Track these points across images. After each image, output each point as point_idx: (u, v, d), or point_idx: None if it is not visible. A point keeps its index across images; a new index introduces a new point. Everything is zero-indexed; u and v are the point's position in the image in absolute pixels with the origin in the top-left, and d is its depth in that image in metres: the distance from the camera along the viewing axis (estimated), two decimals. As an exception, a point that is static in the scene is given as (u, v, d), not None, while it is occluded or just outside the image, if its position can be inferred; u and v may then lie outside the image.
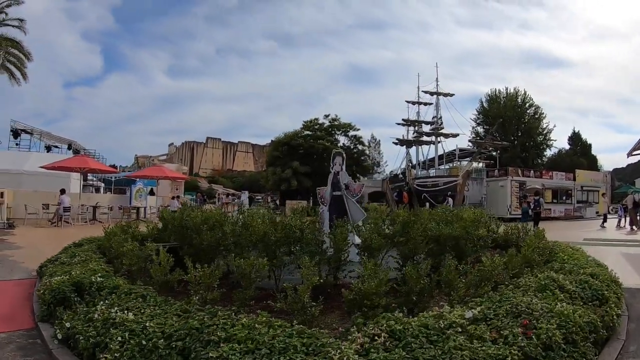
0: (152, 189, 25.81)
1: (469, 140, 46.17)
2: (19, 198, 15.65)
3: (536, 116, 51.53)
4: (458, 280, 4.58)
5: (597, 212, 28.33)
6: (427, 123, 44.49)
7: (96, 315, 3.90)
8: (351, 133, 44.87)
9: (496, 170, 31.55)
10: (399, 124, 45.01)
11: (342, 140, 45.01)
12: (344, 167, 8.30)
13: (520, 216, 21.14)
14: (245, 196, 47.64)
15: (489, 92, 53.64)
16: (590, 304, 4.42)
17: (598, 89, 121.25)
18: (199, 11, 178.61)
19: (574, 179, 32.18)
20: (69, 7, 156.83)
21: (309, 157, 40.09)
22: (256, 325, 3.25)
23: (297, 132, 42.86)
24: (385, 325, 3.38)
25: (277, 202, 42.94)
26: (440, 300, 4.92)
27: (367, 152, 50.28)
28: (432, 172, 39.97)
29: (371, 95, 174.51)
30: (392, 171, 51.05)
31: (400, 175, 44.42)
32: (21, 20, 19.84)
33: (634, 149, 16.12)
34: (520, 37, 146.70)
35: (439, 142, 42.98)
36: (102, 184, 31.51)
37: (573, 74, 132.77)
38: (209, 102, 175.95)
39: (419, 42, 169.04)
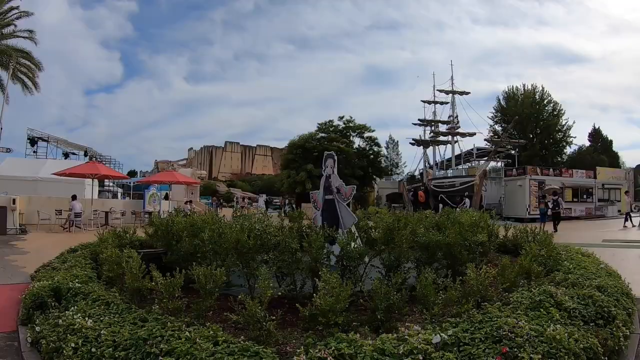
0: (167, 194, 26.30)
1: (485, 139, 45.13)
2: (34, 204, 16.14)
3: (555, 113, 49.93)
4: (435, 296, 4.16)
5: (619, 211, 27.27)
6: (443, 122, 43.80)
7: (61, 321, 3.98)
8: (366, 134, 44.63)
9: (514, 169, 30.69)
10: (415, 124, 44.49)
11: (357, 141, 44.84)
12: (335, 170, 8.15)
13: (539, 216, 20.47)
14: (262, 199, 47.87)
15: (506, 90, 52.57)
16: (592, 324, 3.91)
17: (618, 84, 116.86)
18: (216, 17, 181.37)
19: (595, 177, 31.06)
20: (88, 17, 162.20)
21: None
22: (197, 340, 3.15)
23: (312, 135, 42.85)
24: (334, 348, 3.13)
25: (294, 205, 43.06)
26: (418, 318, 4.45)
27: (384, 153, 49.94)
28: (449, 172, 39.33)
29: (389, 96, 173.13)
30: (409, 172, 50.51)
31: (418, 177, 43.91)
32: (31, 31, 20.51)
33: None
34: (538, 33, 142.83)
35: (455, 141, 42.26)
36: (120, 190, 32.29)
37: (593, 69, 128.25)
38: (227, 107, 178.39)
39: (436, 41, 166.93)
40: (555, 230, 17.81)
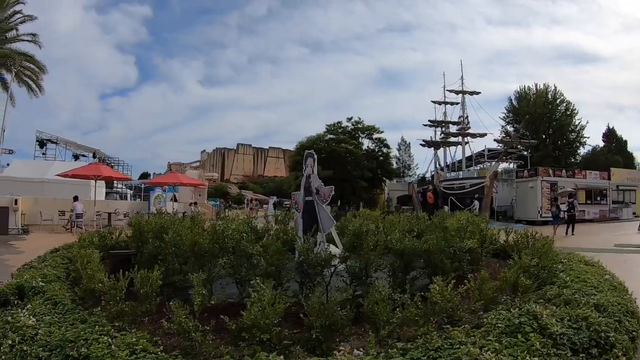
0: (174, 195, 26.61)
1: (495, 140, 44.26)
2: (39, 205, 16.51)
3: (568, 113, 48.78)
4: (389, 315, 3.61)
5: (634, 214, 26.43)
6: (454, 123, 43.22)
7: (10, 318, 3.98)
8: (375, 135, 44.22)
9: (525, 171, 30.04)
10: (425, 125, 44.02)
11: (366, 143, 44.45)
12: (315, 170, 7.95)
13: (551, 219, 19.95)
14: (272, 201, 48.00)
15: (518, 89, 51.61)
16: (582, 354, 3.19)
17: (633, 82, 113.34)
18: (230, 21, 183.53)
19: (609, 178, 30.09)
20: (103, 21, 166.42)
21: (331, 161, 39.70)
22: (113, 347, 3.06)
23: (320, 136, 42.62)
24: None
25: (304, 207, 42.68)
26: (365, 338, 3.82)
27: (394, 154, 49.40)
28: (460, 174, 38.69)
29: (401, 98, 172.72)
30: (419, 174, 50.00)
31: (428, 178, 43.37)
32: (34, 34, 20.94)
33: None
34: (551, 33, 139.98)
35: (466, 142, 41.63)
36: (130, 191, 32.83)
37: (607, 68, 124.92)
38: (241, 109, 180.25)
39: (447, 42, 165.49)
40: (572, 233, 17.42)
